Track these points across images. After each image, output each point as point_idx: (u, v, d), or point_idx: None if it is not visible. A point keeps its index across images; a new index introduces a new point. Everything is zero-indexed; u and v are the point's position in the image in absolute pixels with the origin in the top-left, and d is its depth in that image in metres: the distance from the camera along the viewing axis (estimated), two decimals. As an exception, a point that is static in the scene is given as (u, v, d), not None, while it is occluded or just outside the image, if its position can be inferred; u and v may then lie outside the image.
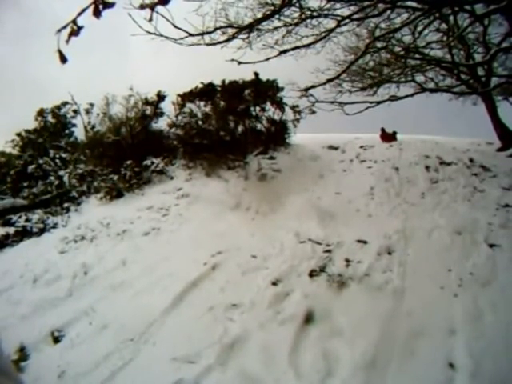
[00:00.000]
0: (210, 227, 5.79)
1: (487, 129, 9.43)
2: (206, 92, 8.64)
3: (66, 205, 7.70)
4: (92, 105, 10.00)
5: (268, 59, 6.26)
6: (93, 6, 1.40)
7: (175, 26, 5.01)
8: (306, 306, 3.52)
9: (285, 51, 6.39)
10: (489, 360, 2.64)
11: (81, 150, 9.63)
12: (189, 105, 8.75)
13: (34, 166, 8.72)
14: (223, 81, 8.63)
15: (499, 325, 3.01)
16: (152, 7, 2.53)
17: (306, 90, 7.24)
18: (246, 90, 8.54)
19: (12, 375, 0.63)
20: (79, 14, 1.38)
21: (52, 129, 10.14)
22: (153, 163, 8.37)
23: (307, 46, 6.54)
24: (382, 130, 10.93)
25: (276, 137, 8.82)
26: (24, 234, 6.73)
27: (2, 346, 0.65)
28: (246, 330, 3.35)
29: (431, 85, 10.23)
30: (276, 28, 6.47)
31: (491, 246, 4.28)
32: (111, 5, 1.44)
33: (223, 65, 6.13)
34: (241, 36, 6.11)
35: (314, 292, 3.80)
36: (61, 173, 8.70)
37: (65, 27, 1.36)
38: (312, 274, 4.16)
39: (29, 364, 3.54)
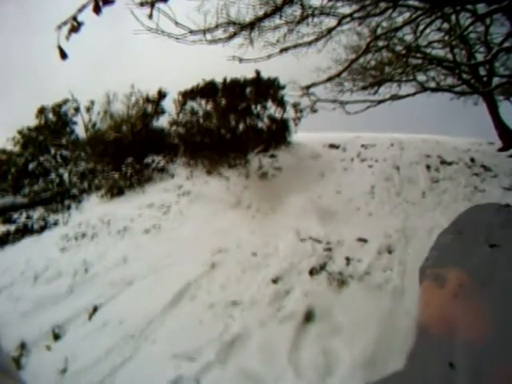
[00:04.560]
0: (210, 225, 5.79)
1: (488, 129, 9.43)
2: (208, 90, 8.64)
3: (66, 202, 7.70)
4: (93, 102, 9.98)
5: (269, 57, 6.26)
6: (93, 3, 1.40)
7: (177, 24, 5.02)
8: (306, 304, 3.53)
9: (286, 49, 6.40)
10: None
11: (82, 148, 9.62)
12: (190, 103, 8.75)
13: (34, 163, 8.72)
14: (224, 79, 8.63)
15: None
16: (152, 4, 2.53)
17: (307, 87, 7.25)
18: (247, 89, 8.54)
19: (12, 372, 0.63)
20: (79, 10, 1.38)
21: (53, 126, 10.12)
22: (154, 161, 8.37)
23: (308, 44, 6.54)
24: None
25: (277, 135, 8.81)
26: (25, 231, 6.73)
27: (2, 342, 0.65)
28: (245, 328, 3.35)
29: (432, 84, 10.22)
30: (277, 26, 6.47)
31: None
32: (111, 1, 1.44)
33: (224, 63, 6.14)
34: (242, 34, 6.12)
35: (314, 290, 3.80)
36: (61, 171, 8.70)
37: (65, 23, 1.36)
38: (312, 272, 4.16)
39: (29, 361, 3.55)
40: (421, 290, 0.73)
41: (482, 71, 9.39)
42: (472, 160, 7.62)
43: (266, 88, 8.66)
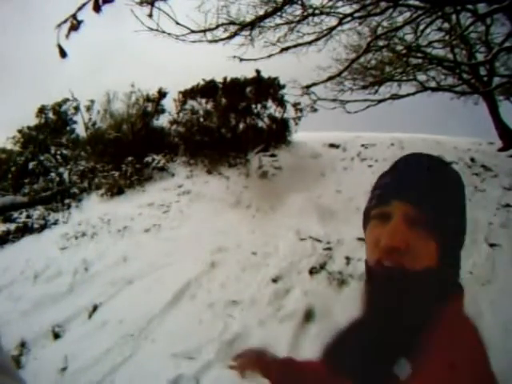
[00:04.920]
0: (210, 224, 5.79)
1: (488, 128, 9.42)
2: (208, 89, 8.63)
3: (66, 201, 7.70)
4: (93, 101, 9.96)
5: (270, 56, 6.26)
6: (93, 1, 1.40)
7: (177, 23, 5.02)
8: (305, 304, 3.53)
9: (286, 48, 6.40)
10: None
11: (82, 147, 9.62)
12: (190, 102, 8.74)
13: (34, 162, 8.72)
14: (225, 78, 8.63)
15: (498, 324, 3.01)
16: (152, 3, 2.53)
17: (308, 87, 7.26)
18: (247, 88, 8.53)
19: (11, 371, 0.63)
20: (79, 8, 1.38)
21: (53, 126, 10.11)
22: (154, 160, 8.36)
23: (309, 43, 6.54)
24: None
25: (277, 134, 8.80)
26: (25, 230, 6.73)
27: (1, 341, 0.65)
28: (245, 327, 3.36)
29: (433, 84, 10.21)
30: (278, 25, 6.46)
31: (491, 245, 4.29)
32: (111, 0, 1.43)
33: (225, 63, 6.14)
34: (243, 33, 6.11)
35: (314, 289, 3.80)
36: (62, 170, 8.70)
37: (65, 22, 1.36)
38: (312, 271, 4.16)
39: (29, 360, 3.56)
40: (367, 232, 0.78)
41: (483, 71, 9.38)
42: (472, 160, 7.61)
43: (267, 87, 8.65)
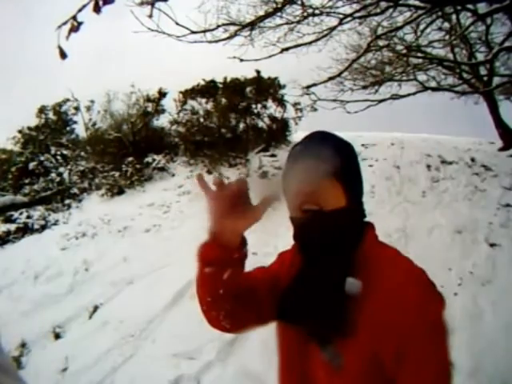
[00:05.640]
0: (210, 224, 5.77)
1: (489, 128, 9.40)
2: (208, 89, 8.63)
3: (67, 201, 7.71)
4: (93, 102, 9.98)
5: (270, 57, 6.26)
6: (93, 2, 1.40)
7: (177, 24, 5.02)
8: (305, 304, 3.52)
9: (287, 49, 6.39)
10: (488, 359, 2.64)
11: (82, 147, 9.63)
12: (190, 102, 8.74)
13: (35, 162, 8.72)
14: (225, 78, 8.63)
15: (499, 324, 3.01)
16: (152, 3, 2.53)
17: (308, 87, 7.25)
18: (247, 88, 8.53)
19: (12, 372, 0.63)
20: (79, 9, 1.38)
21: (53, 126, 10.12)
22: (154, 160, 8.36)
23: (309, 43, 6.53)
24: None
25: (277, 134, 8.80)
26: (25, 230, 6.74)
27: (1, 342, 0.66)
28: (245, 327, 3.34)
29: (433, 83, 10.18)
30: (278, 25, 6.45)
31: (491, 245, 4.28)
32: (111, 1, 1.44)
33: (225, 63, 6.13)
34: (243, 33, 6.11)
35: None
36: (62, 170, 8.70)
37: (65, 23, 1.36)
38: (312, 271, 4.15)
39: (29, 360, 3.56)
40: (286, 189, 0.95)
41: (483, 71, 9.35)
42: (472, 159, 7.60)
43: (267, 87, 8.65)
